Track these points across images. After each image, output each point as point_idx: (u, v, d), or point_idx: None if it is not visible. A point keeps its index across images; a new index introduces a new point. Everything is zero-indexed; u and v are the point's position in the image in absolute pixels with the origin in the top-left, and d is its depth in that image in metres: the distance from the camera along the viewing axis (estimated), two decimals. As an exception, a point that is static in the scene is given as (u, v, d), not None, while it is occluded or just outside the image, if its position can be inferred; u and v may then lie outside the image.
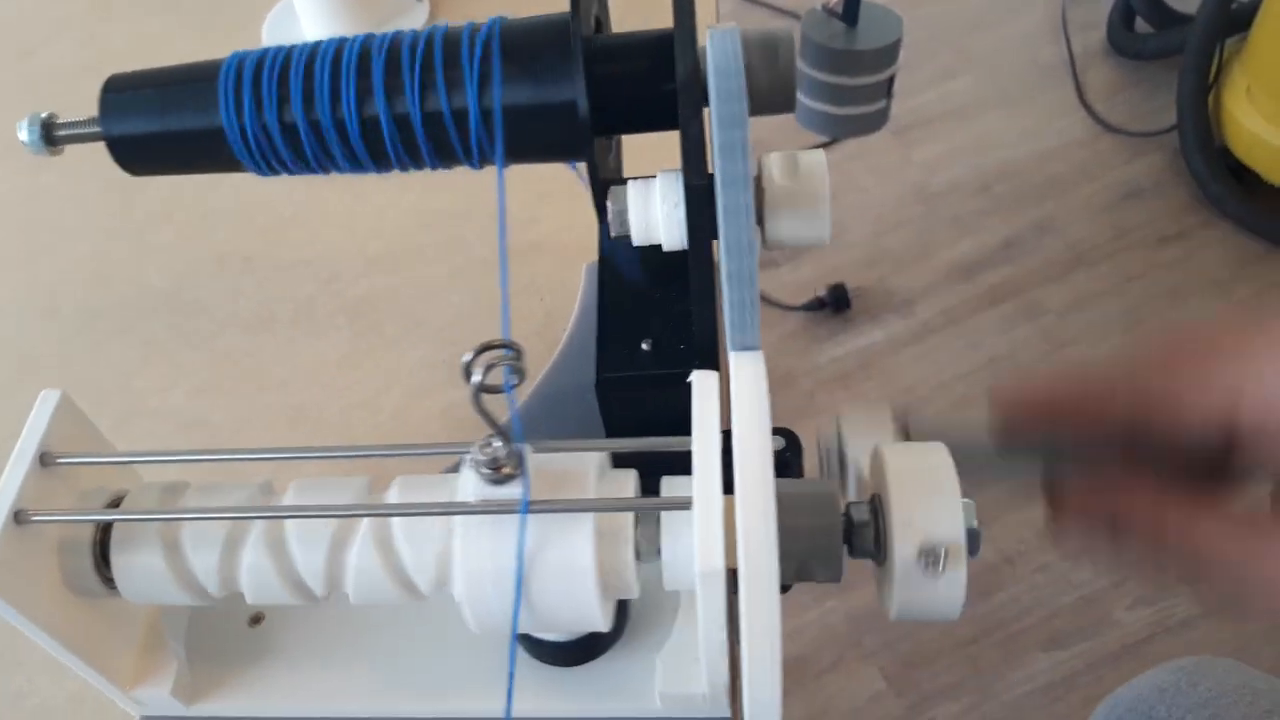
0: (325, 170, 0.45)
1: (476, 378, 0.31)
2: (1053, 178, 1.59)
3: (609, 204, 0.39)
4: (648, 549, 0.36)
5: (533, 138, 0.41)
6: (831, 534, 0.35)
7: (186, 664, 0.42)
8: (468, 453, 0.34)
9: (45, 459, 0.37)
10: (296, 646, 0.43)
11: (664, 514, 0.36)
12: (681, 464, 0.38)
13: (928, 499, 0.34)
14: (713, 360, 0.43)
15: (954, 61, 1.74)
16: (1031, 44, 1.75)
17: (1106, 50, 1.72)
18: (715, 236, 0.37)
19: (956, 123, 1.67)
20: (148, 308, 0.58)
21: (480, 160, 0.42)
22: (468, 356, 0.31)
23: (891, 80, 1.15)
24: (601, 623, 0.36)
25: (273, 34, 0.72)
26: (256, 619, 0.44)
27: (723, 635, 0.34)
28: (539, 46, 0.39)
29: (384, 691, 0.42)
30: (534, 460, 0.35)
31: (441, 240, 0.61)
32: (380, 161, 0.42)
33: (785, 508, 0.32)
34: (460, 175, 0.64)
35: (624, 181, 0.40)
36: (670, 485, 0.37)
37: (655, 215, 0.38)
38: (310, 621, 0.44)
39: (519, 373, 0.32)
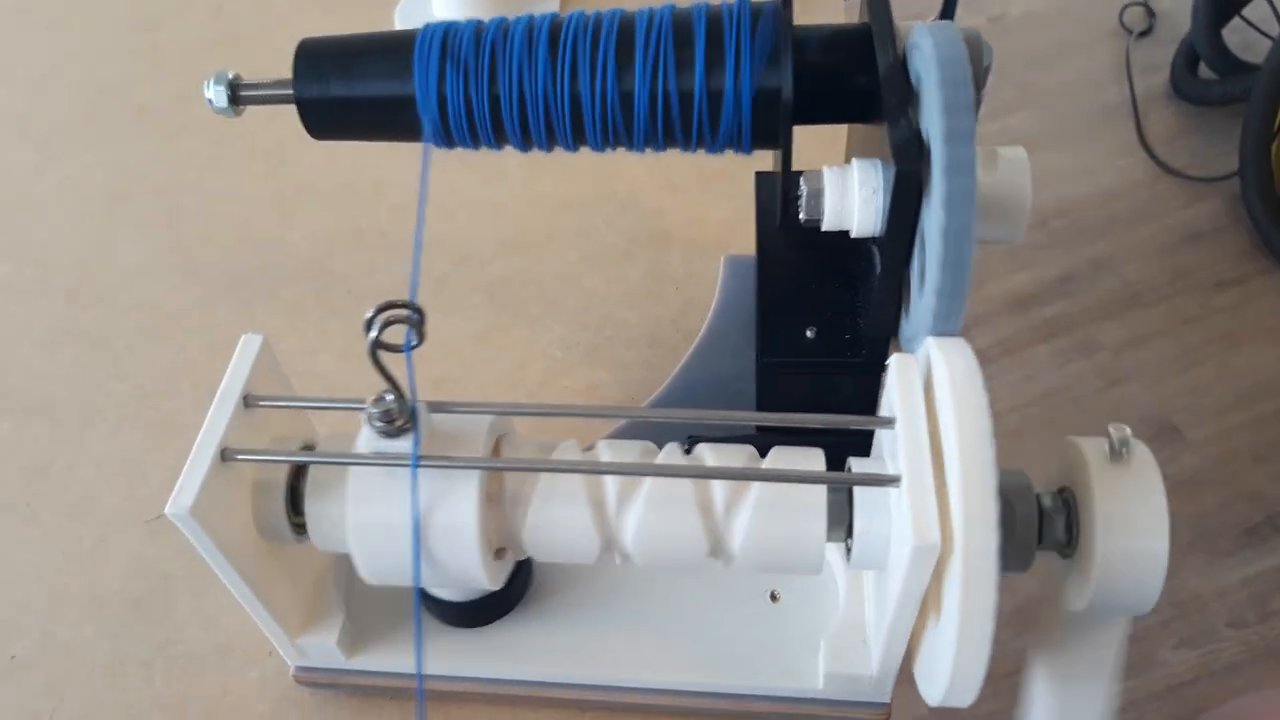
0: (504, 145, 0.45)
1: (374, 334, 0.32)
2: (1112, 217, 1.60)
3: (803, 186, 0.40)
4: (836, 527, 0.36)
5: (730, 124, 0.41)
6: (1029, 523, 0.35)
7: (349, 618, 0.43)
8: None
9: (248, 400, 0.37)
10: (452, 608, 0.44)
11: (857, 491, 0.36)
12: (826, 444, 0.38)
13: (1131, 497, 0.34)
14: (883, 350, 0.44)
15: (1016, 96, 1.75)
16: (1094, 83, 1.76)
17: (1169, 94, 1.73)
18: (915, 223, 0.38)
19: (1017, 157, 1.68)
20: (292, 273, 0.59)
21: (667, 142, 0.43)
22: (369, 314, 0.32)
23: (978, 105, 1.16)
24: (487, 582, 0.37)
25: (405, 16, 0.73)
26: (414, 578, 0.45)
27: (915, 615, 0.35)
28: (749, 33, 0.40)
29: (535, 655, 0.43)
30: (430, 419, 0.36)
31: (574, 226, 0.62)
32: (574, 139, 0.43)
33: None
34: (593, 164, 0.65)
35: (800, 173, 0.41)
36: (856, 465, 0.37)
37: (851, 200, 0.39)
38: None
39: (419, 334, 0.33)
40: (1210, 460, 1.35)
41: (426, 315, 0.33)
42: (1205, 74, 1.71)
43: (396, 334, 0.33)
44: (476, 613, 0.43)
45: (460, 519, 0.35)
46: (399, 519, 0.35)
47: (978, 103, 1.15)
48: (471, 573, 0.36)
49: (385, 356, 0.33)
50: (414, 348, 0.34)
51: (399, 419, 0.35)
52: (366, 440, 0.36)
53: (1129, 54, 1.78)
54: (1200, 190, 1.62)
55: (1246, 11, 1.68)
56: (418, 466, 0.35)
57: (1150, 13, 1.84)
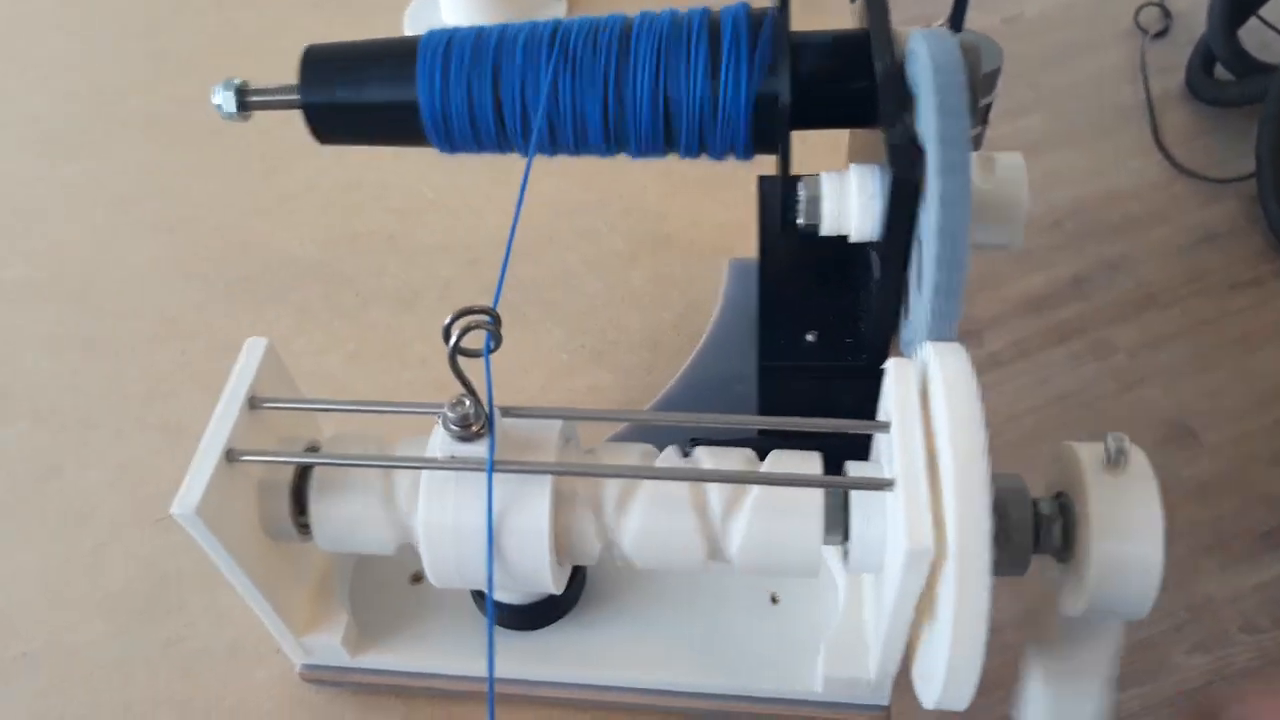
0: (508, 150, 0.46)
1: (453, 340, 0.32)
2: (1126, 217, 1.59)
3: (801, 192, 0.40)
4: (832, 530, 0.37)
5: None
6: (1024, 528, 0.35)
7: (353, 617, 0.43)
8: (440, 411, 0.35)
9: (254, 402, 0.38)
10: (455, 605, 0.44)
11: (853, 495, 0.36)
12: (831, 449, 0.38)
13: (1126, 502, 0.34)
14: (882, 354, 0.44)
15: (1030, 97, 1.74)
16: (1109, 84, 1.75)
17: (1185, 95, 1.72)
18: (912, 228, 0.38)
19: (1029, 157, 1.66)
20: (298, 276, 0.60)
21: (667, 147, 0.43)
22: (447, 320, 0.32)
23: (988, 108, 1.16)
24: (552, 585, 0.37)
25: (414, 22, 0.73)
26: (417, 577, 0.45)
27: (911, 618, 0.35)
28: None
29: (536, 653, 0.43)
30: (502, 424, 0.36)
31: (576, 230, 0.62)
32: (575, 145, 0.43)
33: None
34: (594, 167, 0.65)
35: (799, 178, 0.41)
36: (853, 469, 0.37)
37: (850, 206, 0.39)
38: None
39: (496, 339, 0.33)
40: (1226, 464, 1.35)
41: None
42: (1221, 75, 1.70)
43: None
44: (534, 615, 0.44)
45: (534, 523, 0.35)
46: (470, 522, 0.35)
47: (987, 108, 1.14)
48: (540, 576, 0.36)
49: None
50: (492, 352, 0.34)
51: (475, 424, 0.35)
52: (441, 444, 0.36)
53: (1144, 54, 1.77)
54: (1216, 191, 1.60)
55: (1263, 12, 1.66)
56: (493, 471, 0.35)
57: (1166, 13, 1.83)
